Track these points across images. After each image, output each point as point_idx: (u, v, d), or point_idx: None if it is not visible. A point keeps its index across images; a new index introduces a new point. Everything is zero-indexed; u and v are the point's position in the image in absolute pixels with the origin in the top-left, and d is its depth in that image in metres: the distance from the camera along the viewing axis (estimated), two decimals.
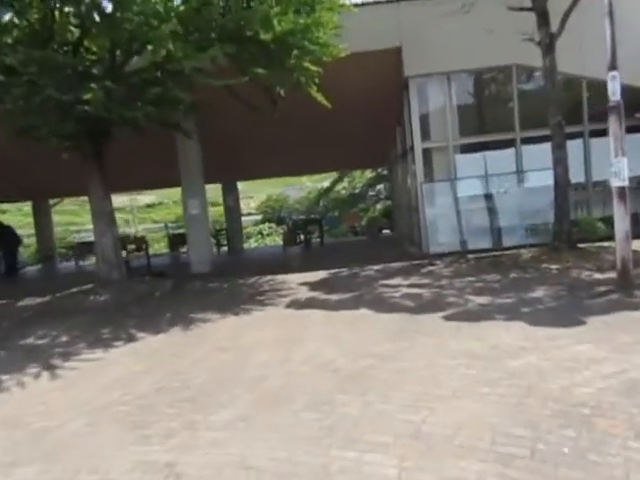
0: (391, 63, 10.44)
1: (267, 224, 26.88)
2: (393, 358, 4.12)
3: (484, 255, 9.21)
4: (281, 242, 14.94)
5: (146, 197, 51.76)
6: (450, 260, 9.18)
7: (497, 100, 11.04)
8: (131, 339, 5.77)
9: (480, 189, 10.30)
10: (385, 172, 25.24)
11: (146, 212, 53.09)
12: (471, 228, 10.24)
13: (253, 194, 57.42)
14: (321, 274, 9.19)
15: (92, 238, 28.04)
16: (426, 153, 10.50)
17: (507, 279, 6.98)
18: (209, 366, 4.45)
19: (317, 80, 8.70)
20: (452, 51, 9.95)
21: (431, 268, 8.58)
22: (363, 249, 13.07)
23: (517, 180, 10.26)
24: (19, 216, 37.83)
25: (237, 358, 4.59)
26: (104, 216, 8.78)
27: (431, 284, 7.16)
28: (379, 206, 28.32)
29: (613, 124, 5.37)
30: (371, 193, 26.92)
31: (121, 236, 15.51)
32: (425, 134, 10.50)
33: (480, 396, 3.26)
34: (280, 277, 9.36)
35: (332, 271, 9.42)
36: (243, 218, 42.67)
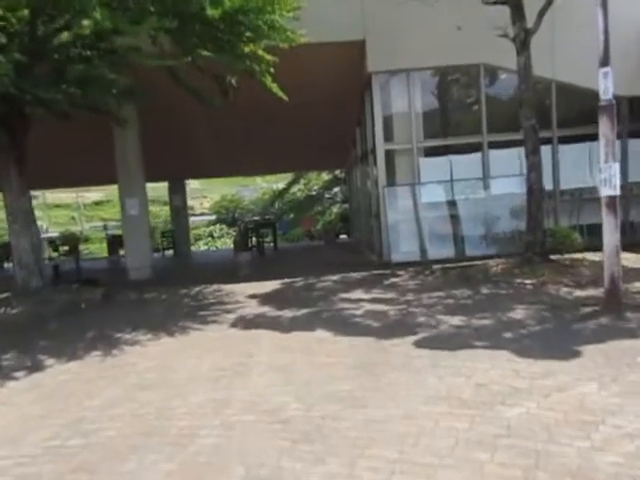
0: (353, 57, 9.70)
1: (218, 225, 25.54)
2: (360, 403, 3.29)
3: (450, 266, 8.58)
4: (232, 245, 13.92)
5: (94, 194, 49.19)
6: (414, 271, 8.50)
7: (464, 101, 10.52)
8: (36, 368, 4.68)
9: (445, 195, 9.71)
10: (342, 175, 24.61)
11: (94, 210, 50.43)
12: (435, 236, 9.63)
13: (207, 193, 55.64)
14: (273, 284, 8.30)
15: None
16: (388, 155, 9.81)
17: (480, 295, 6.33)
18: (125, 412, 3.47)
19: (272, 70, 7.85)
20: (419, 47, 9.32)
21: (394, 280, 7.86)
22: (320, 256, 12.27)
23: (483, 186, 9.73)
24: None
25: (163, 400, 3.64)
26: (21, 215, 7.55)
27: (396, 299, 6.41)
28: (335, 209, 27.67)
29: (604, 126, 4.79)
30: (327, 196, 26.17)
31: (50, 237, 14.12)
32: (388, 135, 9.81)
33: (475, 465, 2.48)
34: (228, 287, 8.39)
35: (286, 281, 8.54)
36: (196, 218, 40.97)
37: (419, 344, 4.49)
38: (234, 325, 5.75)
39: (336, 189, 26.95)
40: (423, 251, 9.52)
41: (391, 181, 9.85)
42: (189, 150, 13.25)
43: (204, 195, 56.74)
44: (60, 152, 12.33)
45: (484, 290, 6.59)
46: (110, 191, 42.90)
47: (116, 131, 9.64)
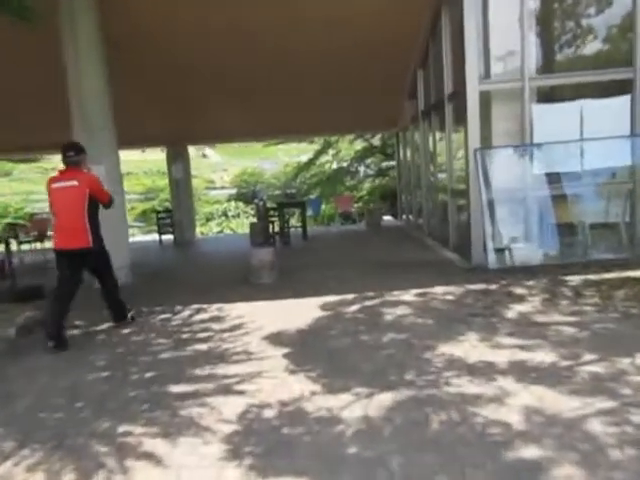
0: None
1: (234, 203, 22.19)
2: None
3: (596, 279, 5.23)
4: (249, 232, 10.65)
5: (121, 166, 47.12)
6: (538, 286, 5.16)
7: (604, 15, 6.88)
8: None
9: (571, 162, 6.26)
10: (380, 142, 21.04)
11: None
12: (555, 227, 6.25)
13: (228, 167, 52.86)
14: (309, 307, 5.07)
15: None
16: (480, 102, 6.35)
17: None
18: None
19: None
20: None
21: (520, 308, 4.53)
22: (367, 249, 8.84)
23: (631, 149, 6.24)
24: None
25: None
26: None
27: (569, 372, 3.09)
28: (367, 184, 24.08)
29: None
30: (361, 168, 22.56)
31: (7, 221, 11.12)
32: (481, 70, 6.34)
33: None
34: (235, 310, 5.22)
35: (329, 300, 5.30)
36: (217, 192, 38.02)
37: None
38: (235, 452, 2.53)
39: (369, 160, 23.32)
40: (538, 250, 6.16)
41: (486, 141, 6.44)
42: (190, 104, 9.96)
43: (224, 168, 54.04)
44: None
45: None
46: (130, 164, 40.31)
47: (70, 66, 6.43)
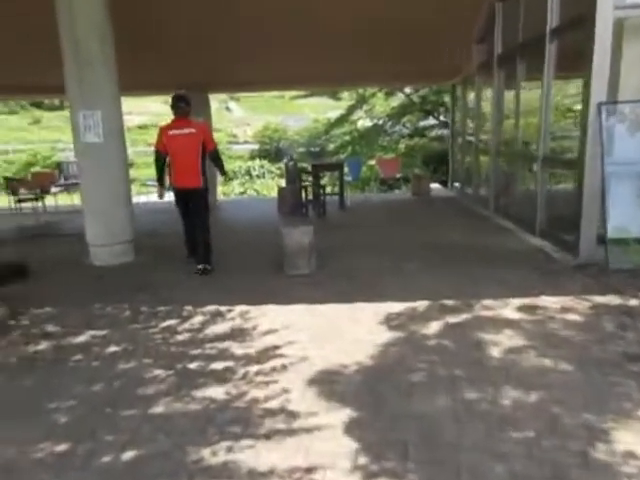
0: None
1: (258, 161, 20.46)
2: None
3: None
4: (277, 198, 9.04)
5: (136, 117, 46.00)
6: None
7: None
8: None
9: None
10: (419, 99, 18.98)
11: (139, 134, 47.24)
12: None
13: (251, 122, 51.14)
14: (367, 320, 3.59)
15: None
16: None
17: None
18: None
19: None
20: None
21: None
22: (426, 227, 6.94)
23: None
24: None
25: None
26: None
27: None
28: (401, 145, 22.03)
29: None
30: (398, 127, 20.48)
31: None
32: None
33: None
34: (267, 317, 3.78)
35: (392, 307, 3.80)
36: (239, 146, 36.53)
37: None
38: None
39: (405, 118, 21.17)
40: None
41: (610, 94, 4.69)
42: (209, 46, 8.22)
43: (247, 123, 52.38)
44: None
45: None
46: (153, 115, 38.99)
47: None
